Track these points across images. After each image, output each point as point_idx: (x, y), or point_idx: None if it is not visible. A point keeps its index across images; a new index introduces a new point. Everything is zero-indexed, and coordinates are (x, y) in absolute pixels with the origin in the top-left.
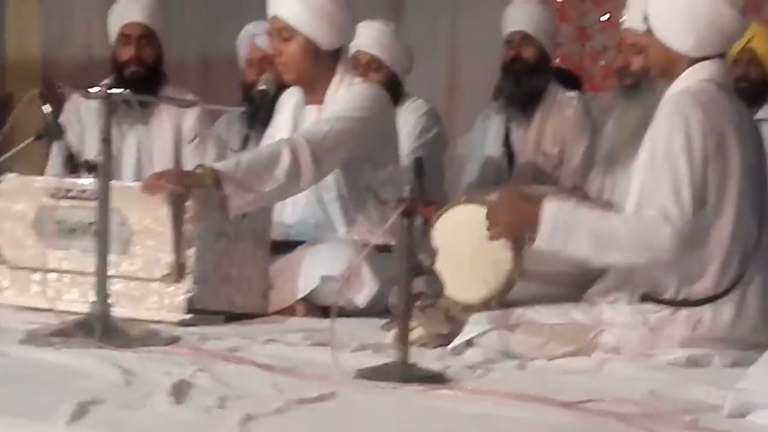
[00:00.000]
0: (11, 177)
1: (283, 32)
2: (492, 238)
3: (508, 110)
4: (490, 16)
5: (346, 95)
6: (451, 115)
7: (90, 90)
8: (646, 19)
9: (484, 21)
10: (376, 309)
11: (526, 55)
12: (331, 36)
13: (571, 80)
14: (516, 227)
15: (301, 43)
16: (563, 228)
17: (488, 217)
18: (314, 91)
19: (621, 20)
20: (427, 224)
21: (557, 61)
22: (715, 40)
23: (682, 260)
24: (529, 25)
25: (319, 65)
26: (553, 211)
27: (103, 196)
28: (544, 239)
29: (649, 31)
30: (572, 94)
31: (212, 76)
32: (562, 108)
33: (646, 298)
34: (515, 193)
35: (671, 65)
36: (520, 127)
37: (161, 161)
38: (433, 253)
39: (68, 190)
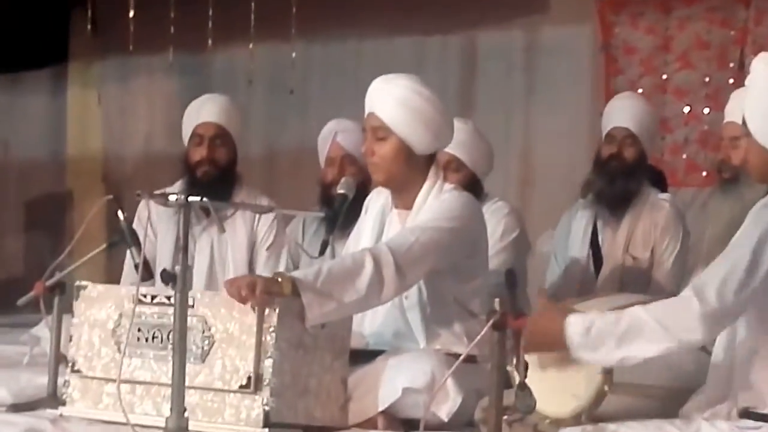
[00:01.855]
0: (95, 285)
1: (378, 132)
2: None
3: (597, 209)
4: (564, 111)
5: (435, 203)
6: (525, 211)
7: (167, 196)
8: (744, 121)
9: (557, 116)
10: (458, 422)
11: (627, 154)
12: (427, 140)
13: (654, 175)
14: (542, 347)
15: (395, 145)
16: (588, 340)
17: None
18: (403, 195)
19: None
20: (517, 336)
21: None
22: None
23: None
24: (634, 124)
25: (411, 169)
26: (576, 326)
27: (181, 307)
28: (576, 351)
29: (747, 133)
30: (665, 196)
31: (276, 173)
32: (654, 210)
33: (746, 413)
34: (542, 314)
35: None
36: (608, 227)
37: (235, 267)
38: (523, 366)
39: (154, 297)
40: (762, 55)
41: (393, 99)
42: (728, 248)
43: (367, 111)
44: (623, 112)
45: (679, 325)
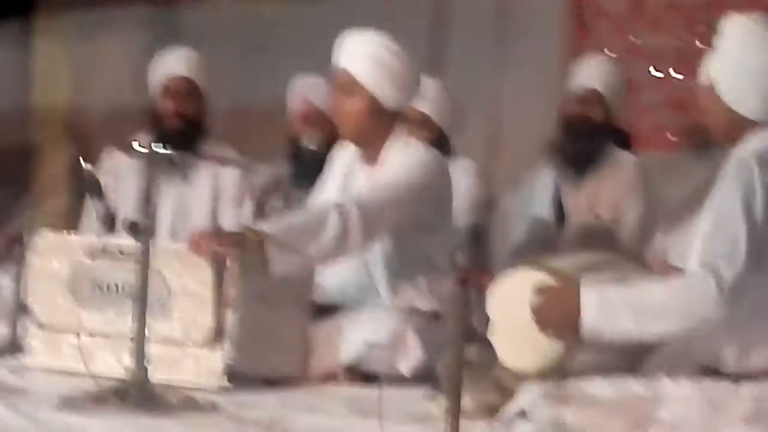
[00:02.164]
0: (46, 233)
1: (346, 87)
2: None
3: (561, 168)
4: (534, 74)
5: (401, 159)
6: (493, 172)
7: (134, 147)
8: (708, 77)
9: (527, 77)
10: (421, 378)
11: (593, 115)
12: (395, 95)
13: (620, 136)
14: (565, 329)
15: (364, 101)
16: (605, 314)
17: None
18: (369, 150)
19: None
20: (481, 291)
21: None
22: None
23: (741, 327)
24: (602, 85)
25: (379, 124)
26: (591, 299)
27: (144, 258)
28: (590, 330)
29: (711, 91)
30: (629, 155)
31: (244, 128)
32: (618, 169)
33: (705, 370)
34: (554, 292)
35: (737, 130)
36: (572, 187)
37: (198, 220)
38: (485, 321)
39: (106, 249)
40: (735, 16)
41: (362, 54)
42: (715, 216)
43: (335, 66)
44: (590, 73)
45: (698, 306)
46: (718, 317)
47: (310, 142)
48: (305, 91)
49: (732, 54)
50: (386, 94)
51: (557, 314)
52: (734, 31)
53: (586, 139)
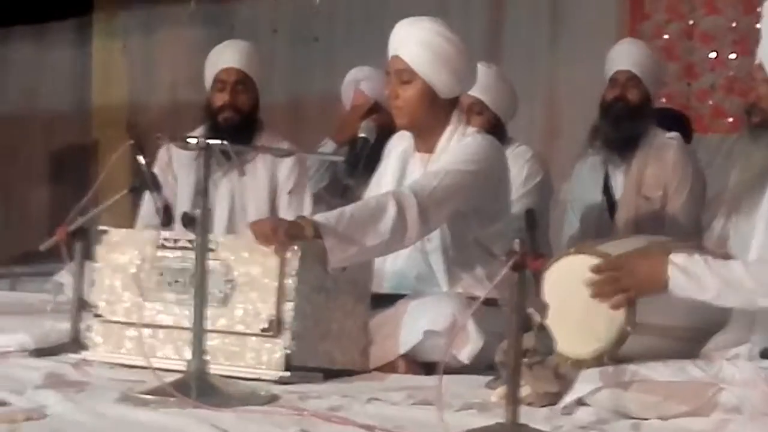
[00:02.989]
0: (116, 230)
1: (402, 74)
2: (616, 306)
3: (606, 153)
4: (590, 58)
5: (458, 146)
6: (550, 160)
7: (188, 140)
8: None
9: (583, 63)
10: (480, 365)
11: (630, 97)
12: (450, 84)
13: (678, 120)
14: (643, 289)
15: (419, 89)
16: (694, 279)
17: (612, 281)
18: (426, 139)
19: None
20: (538, 278)
21: (663, 100)
22: None
23: None
24: (637, 66)
25: (435, 112)
26: (680, 262)
27: (201, 250)
28: (676, 287)
29: (763, 73)
30: (672, 134)
31: (301, 120)
32: (662, 150)
33: (766, 353)
34: (638, 256)
35: None
36: (618, 171)
37: (255, 212)
38: (543, 308)
39: (177, 241)
40: None
41: (417, 41)
42: None
43: (390, 54)
44: (625, 56)
45: None
46: None
47: (364, 131)
48: (358, 82)
49: None
50: (441, 82)
51: (645, 276)
52: None
53: (625, 121)
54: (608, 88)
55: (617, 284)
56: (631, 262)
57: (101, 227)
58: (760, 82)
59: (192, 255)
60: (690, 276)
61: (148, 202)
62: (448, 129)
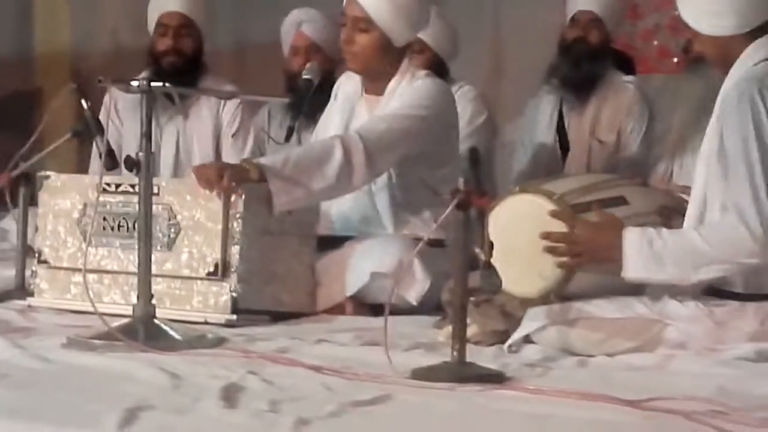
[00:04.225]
0: (58, 175)
1: (360, 22)
2: (572, 267)
3: (562, 93)
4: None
5: (408, 90)
6: (495, 100)
7: (131, 83)
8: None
9: (528, 2)
10: (427, 306)
11: (591, 38)
12: (406, 33)
13: (624, 61)
14: (598, 259)
15: (375, 38)
16: (648, 256)
17: (567, 243)
18: (375, 82)
19: None
20: (483, 216)
21: None
22: (758, 6)
23: None
24: (600, 7)
25: (388, 58)
26: (635, 240)
27: (146, 194)
28: (630, 270)
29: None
30: (629, 78)
31: (247, 65)
32: (619, 93)
33: (711, 291)
34: (590, 223)
35: (727, 52)
36: (573, 112)
37: (200, 155)
38: (489, 247)
39: (118, 185)
40: None
41: None
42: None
43: None
44: None
45: (737, 251)
46: (759, 262)
47: (309, 73)
48: (300, 23)
49: None
50: (398, 31)
51: (600, 252)
52: None
53: (585, 62)
54: (569, 28)
55: (571, 247)
56: (590, 230)
57: (43, 173)
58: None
59: (134, 199)
60: (645, 253)
61: (96, 148)
62: (399, 71)
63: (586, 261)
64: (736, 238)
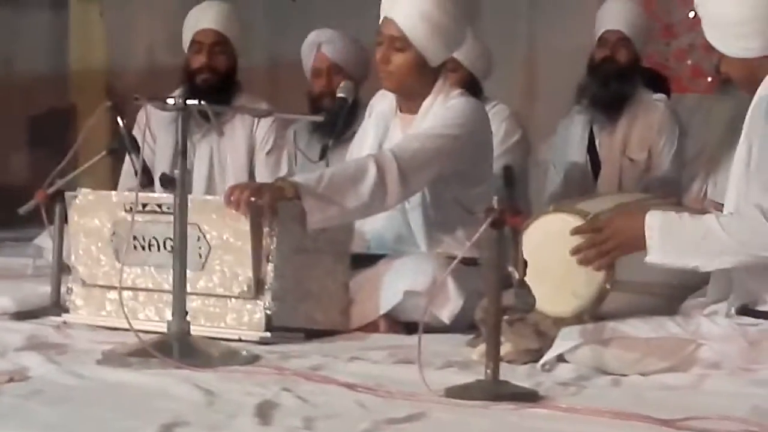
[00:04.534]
0: (86, 192)
1: (396, 41)
2: (599, 269)
3: (592, 113)
4: (569, 19)
5: (442, 109)
6: (528, 119)
7: (166, 101)
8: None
9: (562, 24)
10: (460, 324)
11: (620, 57)
12: (442, 52)
13: (657, 81)
14: (627, 248)
15: (411, 57)
16: (670, 239)
17: (595, 245)
18: (410, 100)
19: None
20: (516, 235)
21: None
22: None
23: None
24: (627, 26)
25: (423, 78)
26: (657, 222)
27: (180, 211)
28: (655, 252)
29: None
30: (659, 97)
31: (280, 82)
32: (649, 112)
33: (744, 310)
34: (617, 214)
35: (753, 73)
36: (604, 131)
37: (234, 173)
38: (522, 265)
39: (145, 205)
40: None
41: (417, 12)
42: (758, 173)
43: (384, 14)
44: (615, 15)
45: (754, 242)
46: None
47: (343, 91)
48: (320, 44)
49: (712, 15)
50: (435, 52)
51: (625, 235)
52: None
53: (613, 82)
54: (597, 48)
55: (599, 248)
56: (612, 223)
57: (70, 192)
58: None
59: (162, 218)
60: (666, 235)
61: (128, 164)
62: (434, 90)
63: (618, 253)
64: (756, 229)
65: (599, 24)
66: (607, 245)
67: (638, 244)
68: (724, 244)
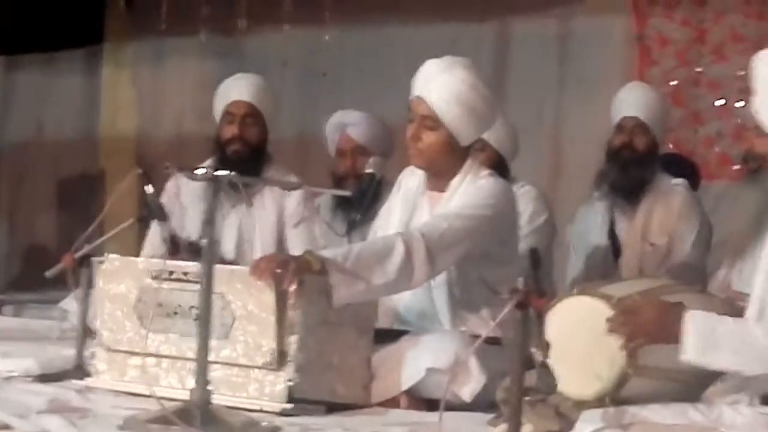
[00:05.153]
0: (113, 258)
1: (427, 120)
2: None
3: (612, 198)
4: (596, 102)
5: (470, 189)
6: (553, 201)
7: (196, 171)
8: (757, 114)
9: (588, 105)
10: (482, 403)
11: (637, 143)
12: (473, 133)
13: (686, 167)
14: (658, 338)
15: (442, 136)
16: (708, 340)
17: (625, 323)
18: (439, 178)
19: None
20: (540, 316)
21: (670, 146)
22: None
23: None
24: (644, 113)
25: (453, 157)
26: (698, 322)
27: (206, 280)
28: (689, 352)
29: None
30: (678, 181)
31: (309, 156)
32: (669, 197)
33: (766, 399)
34: (654, 302)
35: None
36: (624, 216)
37: (263, 244)
38: (545, 347)
39: (171, 272)
40: (760, 53)
41: (448, 92)
42: None
43: (416, 93)
44: (632, 102)
45: None
46: None
47: (372, 167)
48: (345, 126)
49: (765, 89)
50: (466, 133)
51: (656, 328)
52: (762, 67)
53: (632, 168)
54: (615, 134)
55: (634, 329)
56: (642, 311)
57: (97, 258)
58: (752, 130)
59: (188, 287)
60: (705, 338)
61: (154, 231)
62: (463, 169)
63: (644, 343)
64: None
65: (616, 110)
66: (637, 331)
67: (669, 338)
68: (762, 353)
